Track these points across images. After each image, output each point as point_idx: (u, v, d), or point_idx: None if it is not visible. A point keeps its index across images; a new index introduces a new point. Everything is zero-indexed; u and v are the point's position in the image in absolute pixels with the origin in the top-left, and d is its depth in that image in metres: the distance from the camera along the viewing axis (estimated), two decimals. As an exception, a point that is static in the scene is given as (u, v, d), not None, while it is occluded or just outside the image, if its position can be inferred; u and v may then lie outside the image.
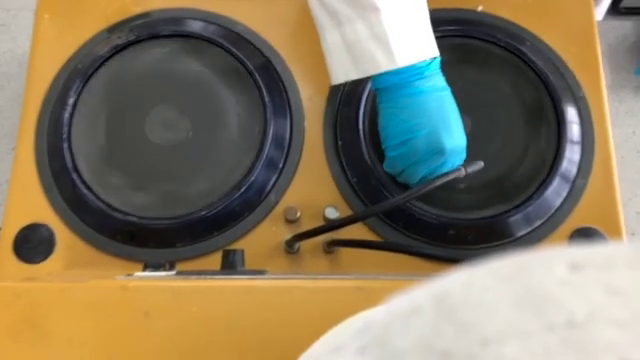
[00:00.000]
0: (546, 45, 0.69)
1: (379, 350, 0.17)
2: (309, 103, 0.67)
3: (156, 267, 0.52)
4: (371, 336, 0.18)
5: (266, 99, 0.64)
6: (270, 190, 0.63)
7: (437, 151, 0.55)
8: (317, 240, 0.61)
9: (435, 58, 0.56)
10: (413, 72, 0.55)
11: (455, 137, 0.56)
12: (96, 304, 0.41)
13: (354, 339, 0.18)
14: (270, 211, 0.63)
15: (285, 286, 0.42)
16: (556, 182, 0.62)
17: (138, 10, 0.71)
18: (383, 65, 0.54)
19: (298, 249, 0.62)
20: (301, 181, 0.64)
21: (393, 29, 0.53)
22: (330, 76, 0.58)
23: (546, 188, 0.62)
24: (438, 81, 0.57)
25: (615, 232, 0.62)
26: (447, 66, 0.58)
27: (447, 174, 0.54)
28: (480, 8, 0.71)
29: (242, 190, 0.61)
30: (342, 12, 0.54)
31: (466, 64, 0.67)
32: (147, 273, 0.51)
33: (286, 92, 0.67)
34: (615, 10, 0.89)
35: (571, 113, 0.65)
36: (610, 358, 0.14)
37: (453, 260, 0.55)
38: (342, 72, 0.57)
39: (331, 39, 0.56)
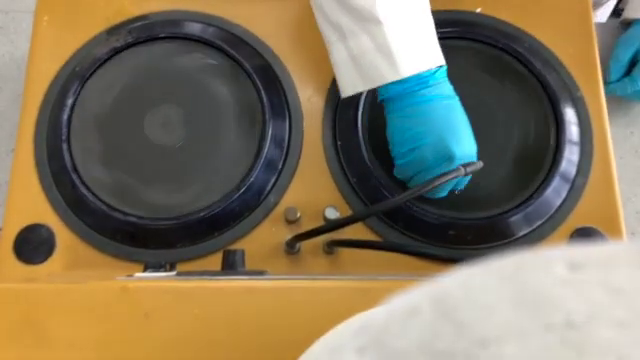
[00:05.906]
0: (544, 46, 0.69)
1: (378, 351, 0.17)
2: (308, 104, 0.67)
3: (156, 268, 0.52)
4: (370, 337, 0.18)
5: (265, 100, 0.64)
6: (270, 191, 0.63)
7: (446, 158, 0.55)
8: (317, 240, 0.61)
9: (441, 67, 0.57)
10: (418, 81, 0.55)
11: (464, 144, 0.56)
12: (96, 305, 0.41)
13: (353, 340, 0.18)
14: (270, 212, 0.63)
15: (285, 286, 0.42)
16: (556, 182, 0.62)
17: (137, 12, 0.71)
18: (388, 76, 0.54)
19: (298, 249, 0.62)
20: (301, 181, 0.64)
21: (396, 41, 0.54)
22: (340, 90, 0.59)
23: (546, 188, 0.62)
24: (444, 89, 0.57)
25: (615, 232, 0.62)
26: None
27: (446, 174, 0.54)
28: (479, 10, 0.71)
29: (242, 191, 0.61)
30: (345, 26, 0.55)
31: (465, 65, 0.67)
32: (147, 274, 0.51)
33: (285, 93, 0.67)
34: (614, 12, 0.89)
35: (569, 114, 0.65)
36: (609, 358, 0.14)
37: (453, 260, 0.55)
38: (350, 85, 0.58)
39: (338, 54, 0.57)
